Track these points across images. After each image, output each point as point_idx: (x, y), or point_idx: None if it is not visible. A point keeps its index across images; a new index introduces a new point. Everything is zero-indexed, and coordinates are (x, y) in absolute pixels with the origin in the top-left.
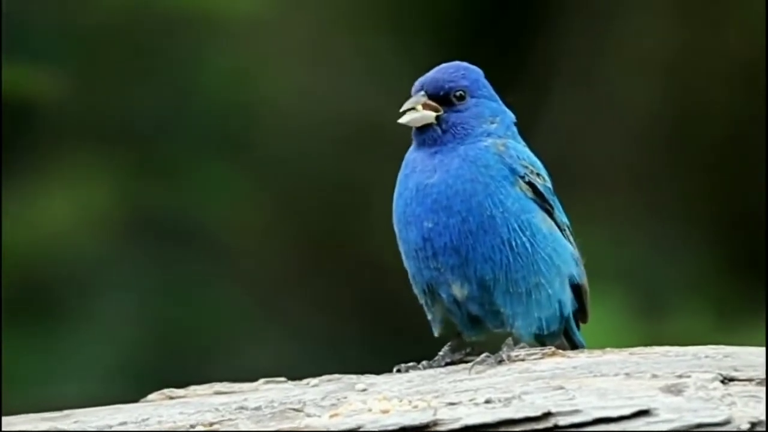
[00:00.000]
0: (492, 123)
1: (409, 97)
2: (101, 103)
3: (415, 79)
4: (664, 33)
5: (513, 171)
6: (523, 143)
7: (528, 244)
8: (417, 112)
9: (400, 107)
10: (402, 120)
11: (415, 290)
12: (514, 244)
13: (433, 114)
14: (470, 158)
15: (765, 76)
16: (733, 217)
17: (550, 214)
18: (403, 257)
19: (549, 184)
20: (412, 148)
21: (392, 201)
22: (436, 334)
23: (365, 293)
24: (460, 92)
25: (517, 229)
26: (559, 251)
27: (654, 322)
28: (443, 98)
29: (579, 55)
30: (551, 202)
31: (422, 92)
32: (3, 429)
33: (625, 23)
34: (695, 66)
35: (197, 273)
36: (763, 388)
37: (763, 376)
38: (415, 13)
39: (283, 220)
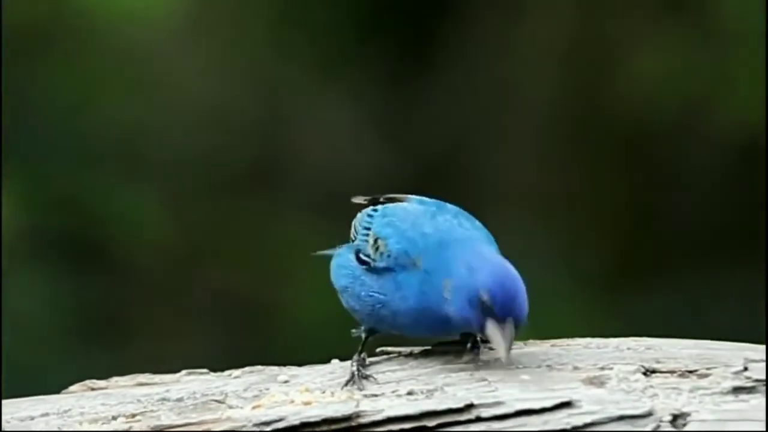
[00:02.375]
0: None
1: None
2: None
3: (315, 65)
4: (564, 23)
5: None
6: None
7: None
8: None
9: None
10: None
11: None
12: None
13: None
14: None
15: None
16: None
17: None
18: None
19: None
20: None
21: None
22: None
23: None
24: None
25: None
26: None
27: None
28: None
29: (480, 39)
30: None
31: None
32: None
33: (528, 14)
34: (595, 57)
35: (97, 287)
36: (685, 380)
37: (685, 368)
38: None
39: (184, 229)
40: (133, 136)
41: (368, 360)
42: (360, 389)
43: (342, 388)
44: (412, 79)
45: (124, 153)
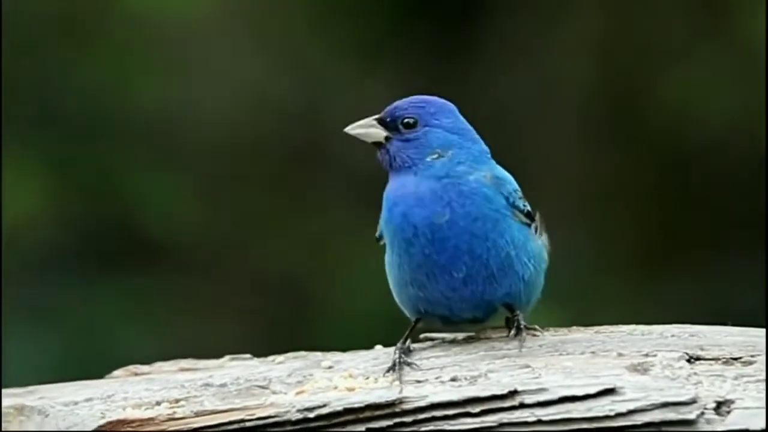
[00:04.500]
0: (439, 156)
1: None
2: (29, 100)
3: (355, 53)
4: (601, 14)
5: (511, 203)
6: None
7: (533, 270)
8: (362, 128)
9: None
10: (347, 129)
11: (404, 309)
12: (526, 276)
13: (380, 133)
14: (466, 192)
15: None
16: (658, 198)
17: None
18: (408, 295)
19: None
20: (390, 180)
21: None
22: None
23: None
24: (409, 120)
25: (527, 262)
26: (545, 260)
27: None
28: (390, 124)
29: (518, 30)
30: (534, 217)
31: (373, 117)
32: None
33: (566, 5)
34: (631, 46)
35: (127, 271)
36: (730, 368)
37: (730, 355)
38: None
39: (217, 212)
40: (171, 121)
41: (413, 347)
42: (400, 377)
43: (383, 375)
44: (450, 65)
45: (162, 138)
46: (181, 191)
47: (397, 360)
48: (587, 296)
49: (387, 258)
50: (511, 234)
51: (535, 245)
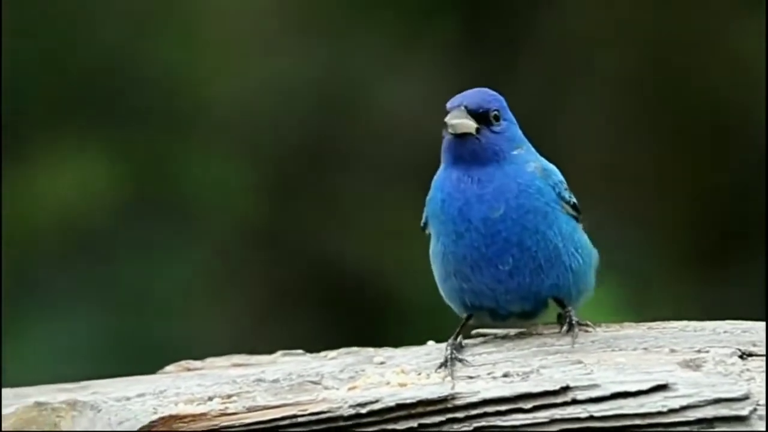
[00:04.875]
0: (519, 149)
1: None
2: (88, 86)
3: (389, 42)
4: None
5: (558, 194)
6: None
7: (581, 262)
8: (458, 119)
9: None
10: (451, 129)
11: (450, 303)
12: (574, 266)
13: (472, 125)
14: (523, 185)
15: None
16: (710, 192)
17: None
18: (452, 287)
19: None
20: (439, 175)
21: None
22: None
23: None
24: (496, 113)
25: (574, 252)
26: (595, 254)
27: (642, 305)
28: (481, 116)
29: (553, 16)
30: (580, 209)
31: (462, 107)
32: (21, 399)
33: None
34: (671, 35)
35: (186, 248)
36: None
37: None
38: None
39: (273, 197)
40: (223, 106)
41: (464, 342)
42: (452, 372)
43: (435, 371)
44: (486, 53)
45: (214, 122)
46: (241, 181)
47: (449, 356)
48: (640, 291)
49: (432, 248)
50: (558, 225)
51: (583, 237)
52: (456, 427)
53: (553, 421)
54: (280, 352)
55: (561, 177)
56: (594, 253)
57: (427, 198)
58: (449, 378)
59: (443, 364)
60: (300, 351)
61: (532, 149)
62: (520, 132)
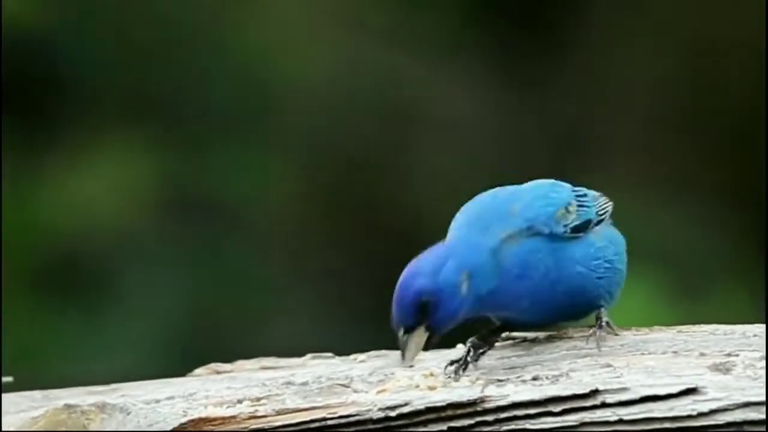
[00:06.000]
0: (464, 281)
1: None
2: (134, 79)
3: (439, 51)
4: (683, 4)
5: (554, 235)
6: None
7: (607, 264)
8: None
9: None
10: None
11: None
12: (601, 274)
13: (424, 337)
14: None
15: None
16: (759, 191)
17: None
18: None
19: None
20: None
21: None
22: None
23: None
24: (424, 305)
25: (597, 261)
26: (620, 243)
27: (692, 302)
28: (411, 328)
29: (601, 25)
30: (591, 218)
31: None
32: (51, 401)
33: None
34: (715, 37)
35: (231, 248)
36: None
37: None
38: None
39: (312, 194)
40: (261, 103)
41: (495, 344)
42: (458, 374)
43: (444, 369)
44: (528, 62)
45: (253, 118)
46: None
47: (464, 355)
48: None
49: None
50: (573, 259)
51: (601, 242)
52: (485, 429)
53: (582, 425)
54: (309, 355)
55: (549, 207)
56: (620, 241)
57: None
58: (452, 377)
59: (454, 362)
60: (329, 354)
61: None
62: (451, 265)
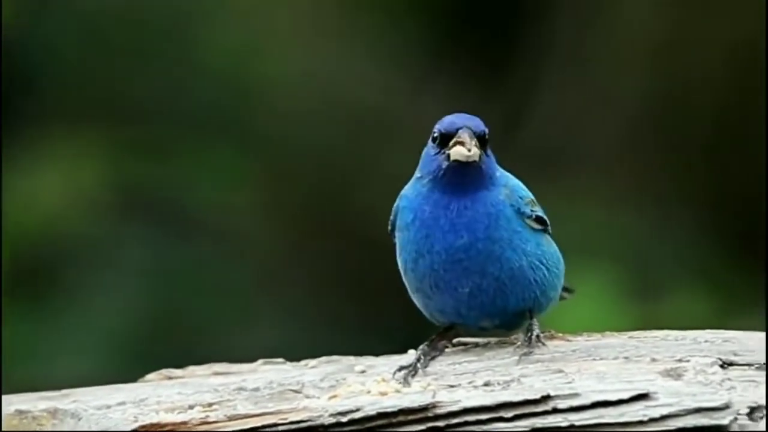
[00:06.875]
0: (498, 170)
1: (433, 132)
2: (97, 81)
3: (414, 61)
4: (654, 14)
5: (522, 214)
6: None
7: (547, 272)
8: (466, 149)
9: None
10: (459, 157)
11: (425, 313)
12: (539, 279)
13: (480, 150)
14: (493, 214)
15: (763, 57)
16: (727, 199)
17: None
18: (419, 302)
19: (537, 205)
20: (415, 189)
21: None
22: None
23: (363, 273)
24: (487, 137)
25: (539, 264)
26: (561, 260)
27: (649, 304)
28: (480, 141)
29: (570, 38)
30: (547, 221)
31: (468, 131)
32: (3, 407)
33: (616, 5)
34: (686, 47)
35: (191, 252)
36: (763, 373)
37: (763, 360)
38: None
39: (279, 200)
40: (232, 107)
41: (446, 350)
42: (408, 380)
43: (393, 374)
44: (500, 72)
45: (223, 122)
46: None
47: (413, 361)
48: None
49: (398, 258)
50: (523, 246)
51: (549, 247)
52: None
53: (534, 430)
54: (260, 361)
55: (523, 192)
56: (561, 261)
57: (395, 206)
58: (402, 382)
59: (403, 368)
60: (281, 360)
61: (500, 168)
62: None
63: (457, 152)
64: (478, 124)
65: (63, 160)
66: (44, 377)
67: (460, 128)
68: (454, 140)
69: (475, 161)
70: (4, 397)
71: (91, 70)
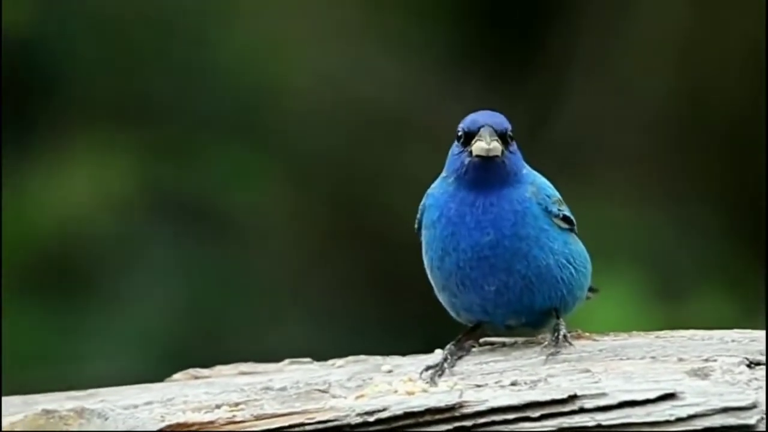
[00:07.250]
0: (525, 167)
1: (456, 131)
2: (121, 82)
3: (436, 62)
4: (677, 15)
5: (549, 212)
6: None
7: (574, 271)
8: (489, 145)
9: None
10: (480, 152)
11: (451, 312)
12: (566, 277)
13: (502, 146)
14: (520, 211)
15: None
16: (750, 199)
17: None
18: (445, 300)
19: (564, 204)
20: (441, 187)
21: (426, 239)
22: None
23: (388, 273)
24: (511, 134)
25: (566, 263)
26: (588, 260)
27: (673, 305)
28: (502, 137)
29: (594, 38)
30: (574, 221)
31: (490, 128)
32: (30, 406)
33: (640, 6)
34: (709, 47)
35: (219, 253)
36: None
37: None
38: None
39: (304, 201)
40: (254, 107)
41: (473, 350)
42: (435, 380)
43: (420, 374)
44: (522, 73)
45: (246, 122)
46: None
47: (440, 361)
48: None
49: (424, 257)
50: (550, 244)
51: (576, 246)
52: None
53: (560, 430)
54: (287, 360)
55: (551, 191)
56: (588, 260)
57: (422, 204)
58: (429, 382)
59: (430, 367)
60: (307, 359)
61: (528, 166)
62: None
63: (478, 147)
64: (500, 121)
65: (90, 161)
66: (75, 377)
67: (482, 126)
68: (476, 138)
69: (496, 156)
70: (31, 396)
71: (116, 71)
